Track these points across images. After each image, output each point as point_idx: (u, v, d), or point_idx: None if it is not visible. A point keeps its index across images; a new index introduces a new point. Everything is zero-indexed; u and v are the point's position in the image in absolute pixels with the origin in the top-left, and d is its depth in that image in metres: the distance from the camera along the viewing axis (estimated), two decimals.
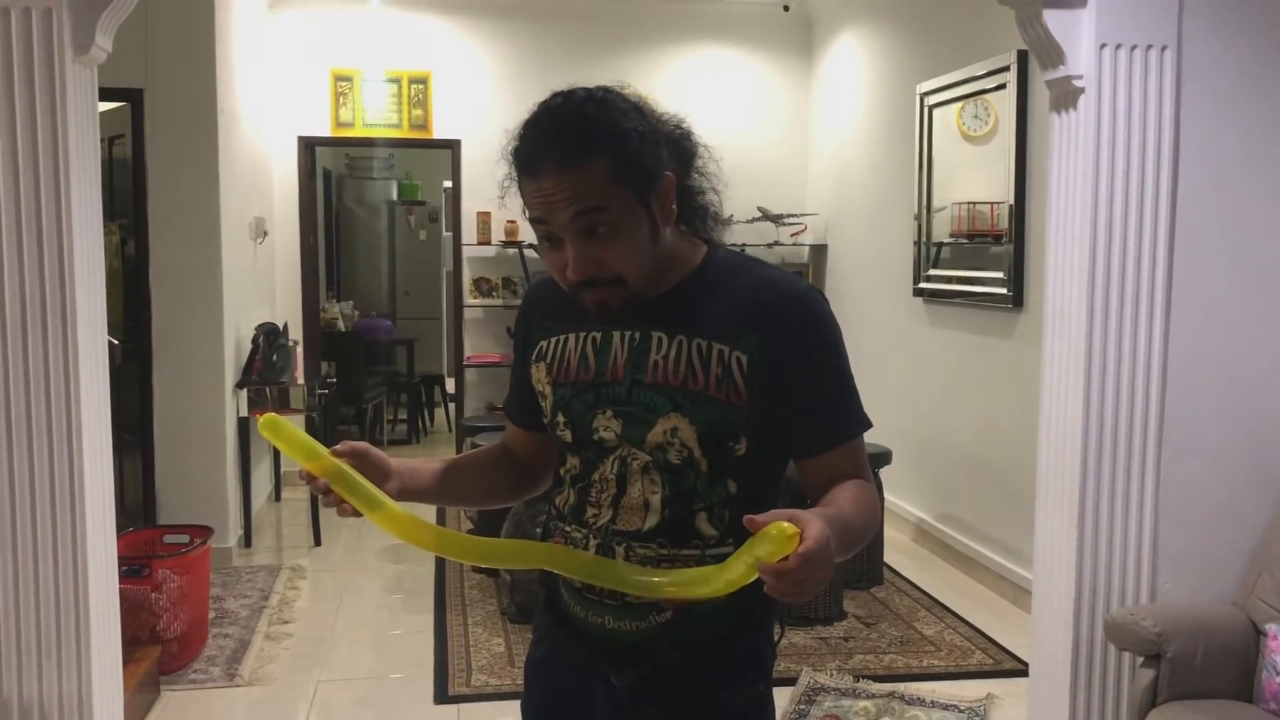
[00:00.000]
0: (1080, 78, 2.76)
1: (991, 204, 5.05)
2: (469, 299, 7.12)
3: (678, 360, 1.49)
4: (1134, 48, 2.73)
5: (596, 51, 6.99)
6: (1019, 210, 4.75)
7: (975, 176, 5.19)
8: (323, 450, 1.48)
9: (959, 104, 5.29)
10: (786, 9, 7.03)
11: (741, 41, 7.07)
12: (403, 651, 4.24)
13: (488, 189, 6.81)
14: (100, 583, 2.55)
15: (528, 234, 6.89)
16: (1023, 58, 4.65)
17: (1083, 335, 2.81)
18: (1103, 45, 2.73)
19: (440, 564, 5.32)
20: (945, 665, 4.09)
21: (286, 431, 1.49)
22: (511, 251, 6.98)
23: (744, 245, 6.51)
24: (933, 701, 3.73)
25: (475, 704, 3.73)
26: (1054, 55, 2.79)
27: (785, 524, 1.21)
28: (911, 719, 3.60)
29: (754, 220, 6.81)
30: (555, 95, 1.46)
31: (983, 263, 5.12)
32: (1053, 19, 2.75)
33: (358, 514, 1.47)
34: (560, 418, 1.57)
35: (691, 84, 6.85)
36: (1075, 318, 2.83)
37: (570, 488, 1.59)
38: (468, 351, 7.15)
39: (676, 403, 1.48)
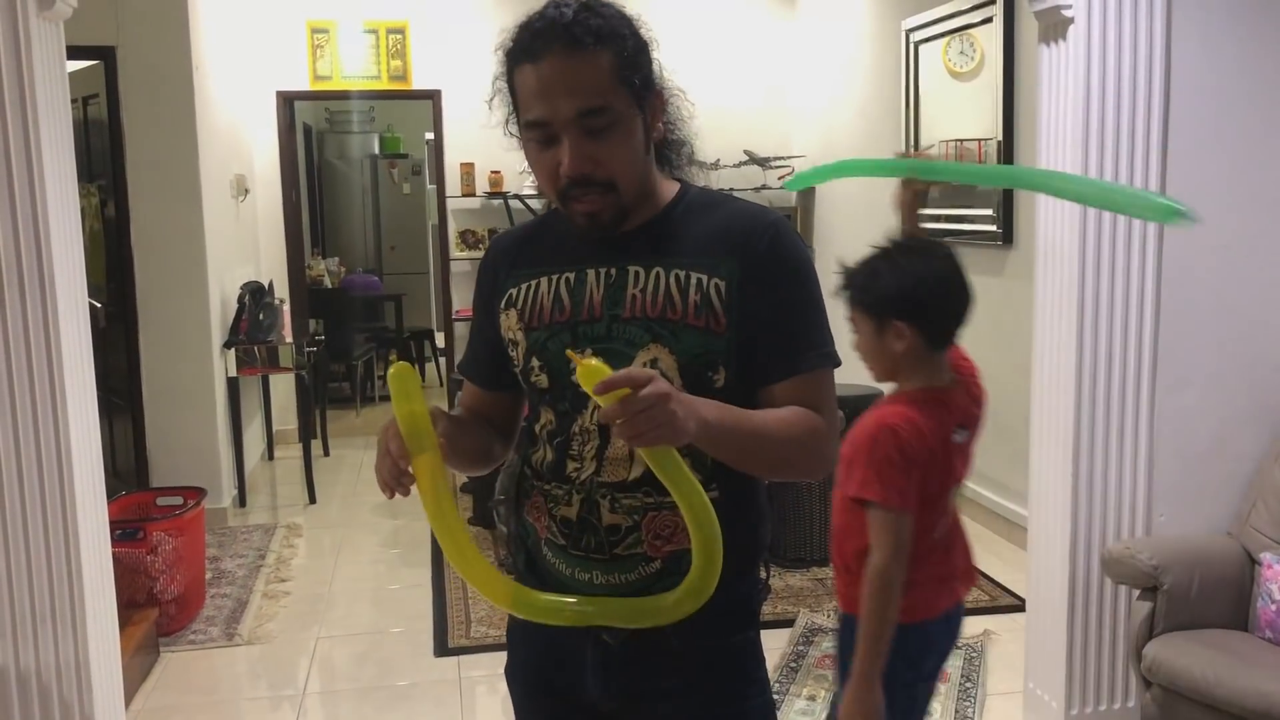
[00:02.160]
0: (1069, 7, 2.71)
1: (979, 141, 5.00)
2: (455, 252, 7.06)
3: (655, 292, 1.47)
4: None
5: None
6: (1008, 146, 4.71)
7: (962, 114, 5.13)
8: (432, 438, 1.39)
9: (945, 40, 5.22)
10: None
11: None
12: (401, 606, 4.25)
13: (470, 140, 6.75)
14: (92, 547, 2.53)
15: (513, 184, 6.82)
16: None
17: (1075, 268, 2.78)
18: None
19: None
20: None
21: (409, 396, 1.38)
22: (496, 203, 6.90)
23: (730, 189, 6.44)
24: None
25: (475, 655, 3.74)
26: None
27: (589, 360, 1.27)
28: None
29: (740, 164, 6.75)
30: (550, 2, 1.43)
31: (970, 200, 5.08)
32: None
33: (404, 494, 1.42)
34: (535, 363, 1.53)
35: (676, 27, 6.72)
36: (1067, 251, 2.81)
37: (547, 444, 1.56)
38: (455, 305, 7.10)
39: (655, 333, 1.46)
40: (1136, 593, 2.75)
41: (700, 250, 1.48)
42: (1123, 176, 2.75)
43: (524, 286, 1.57)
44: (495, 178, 6.86)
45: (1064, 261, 2.82)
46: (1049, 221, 2.88)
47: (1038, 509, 2.98)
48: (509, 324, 1.58)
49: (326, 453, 6.67)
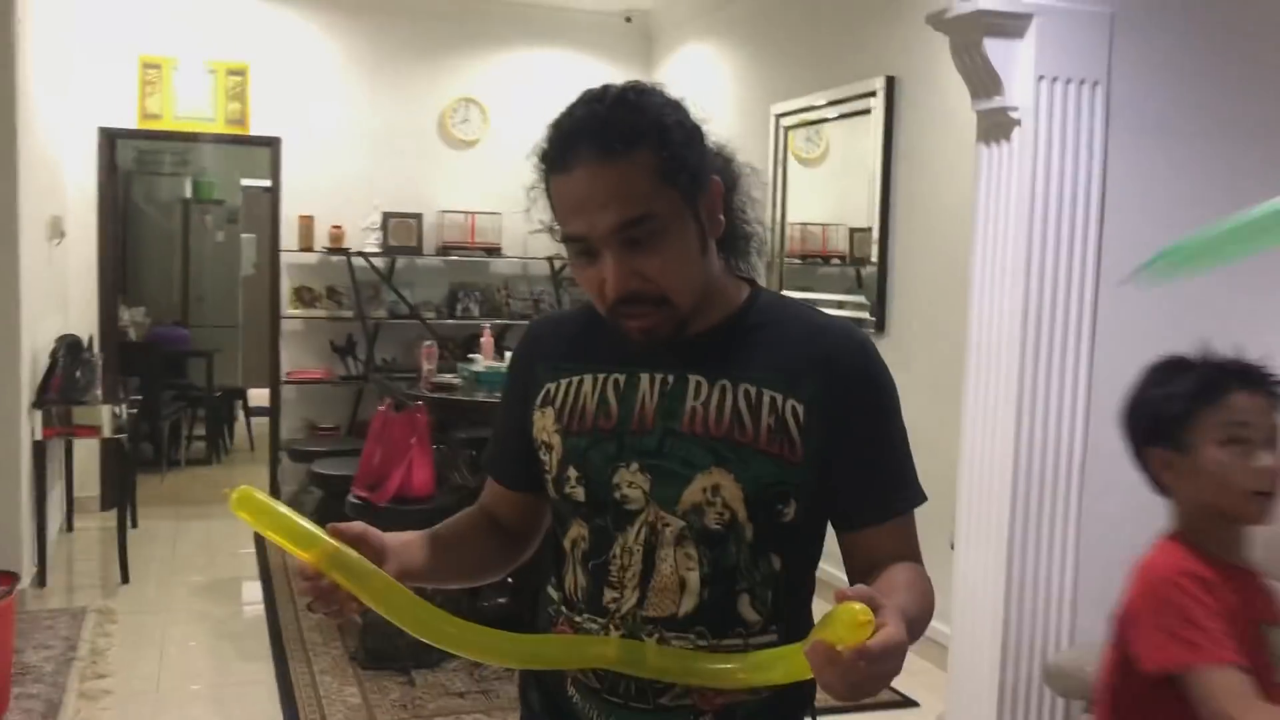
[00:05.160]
0: (1016, 109, 2.72)
1: (824, 225, 5.15)
2: (288, 309, 6.62)
3: (720, 408, 1.30)
4: (1068, 81, 2.71)
5: (432, 50, 6.64)
6: (884, 234, 4.75)
7: (808, 199, 5.30)
8: (316, 532, 1.20)
9: (804, 129, 5.36)
10: (629, 20, 6.88)
11: (585, 48, 6.86)
12: (243, 706, 3.81)
13: (310, 192, 6.38)
14: None
15: (355, 240, 6.47)
16: (890, 83, 4.66)
17: (1014, 371, 2.76)
18: (1040, 77, 2.69)
19: (271, 604, 4.85)
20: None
21: (266, 510, 1.21)
22: (337, 259, 6.52)
23: None
24: None
25: None
26: (991, 85, 2.73)
27: (858, 606, 1.02)
28: None
29: None
30: (588, 90, 1.28)
31: (814, 283, 5.21)
32: (992, 49, 2.69)
33: (361, 611, 1.22)
34: (571, 472, 1.34)
35: (533, 89, 6.59)
36: (1006, 353, 2.78)
37: (577, 566, 1.36)
38: (286, 366, 6.63)
39: (720, 456, 1.28)
40: (1071, 704, 2.70)
41: (775, 366, 1.32)
42: (1061, 280, 2.76)
43: (564, 384, 1.39)
44: (336, 233, 6.49)
45: (1002, 361, 2.79)
46: (984, 319, 2.85)
47: (964, 616, 2.91)
48: (543, 424, 1.39)
49: (134, 524, 6.04)
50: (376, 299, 6.66)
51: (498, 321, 6.38)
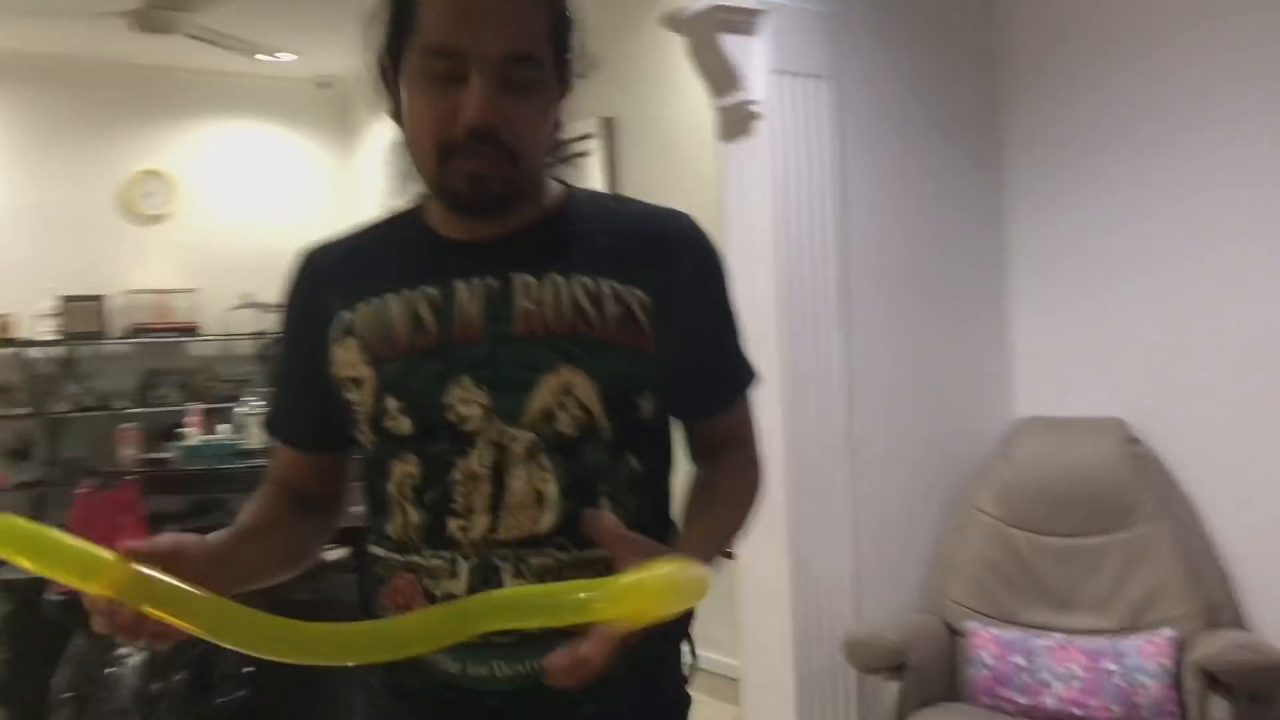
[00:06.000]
0: (756, 103, 2.80)
1: None
2: None
3: (557, 304, 1.18)
4: (803, 76, 2.83)
5: (108, 120, 6.17)
6: None
7: None
8: (103, 555, 0.97)
9: None
10: (322, 87, 6.69)
11: (280, 117, 6.59)
12: None
13: None
14: None
15: (28, 329, 5.84)
16: (608, 124, 4.74)
17: (776, 356, 2.80)
18: (780, 71, 2.79)
19: None
20: None
21: (34, 537, 0.96)
22: (6, 351, 5.84)
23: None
24: None
25: None
26: (730, 81, 2.81)
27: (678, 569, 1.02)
28: None
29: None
30: None
31: None
32: (729, 45, 2.76)
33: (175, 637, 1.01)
34: (390, 403, 1.18)
35: (228, 160, 6.25)
36: (767, 339, 2.82)
37: (410, 506, 1.19)
38: None
39: (566, 353, 1.16)
40: (862, 676, 2.72)
41: (609, 255, 1.22)
42: (816, 264, 2.85)
43: (364, 309, 1.21)
44: (3, 322, 5.82)
45: (766, 348, 2.82)
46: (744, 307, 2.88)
47: (754, 609, 2.89)
48: (346, 358, 1.21)
49: None
50: (57, 392, 6.00)
51: (201, 405, 5.90)
